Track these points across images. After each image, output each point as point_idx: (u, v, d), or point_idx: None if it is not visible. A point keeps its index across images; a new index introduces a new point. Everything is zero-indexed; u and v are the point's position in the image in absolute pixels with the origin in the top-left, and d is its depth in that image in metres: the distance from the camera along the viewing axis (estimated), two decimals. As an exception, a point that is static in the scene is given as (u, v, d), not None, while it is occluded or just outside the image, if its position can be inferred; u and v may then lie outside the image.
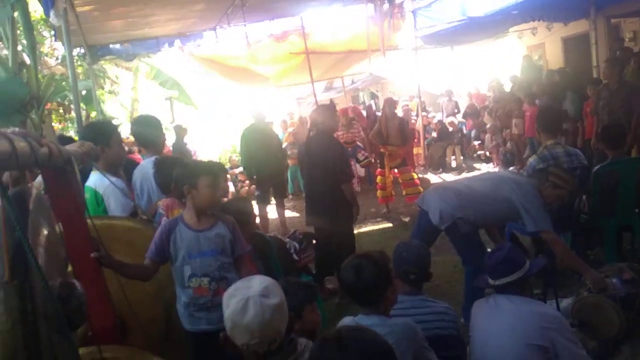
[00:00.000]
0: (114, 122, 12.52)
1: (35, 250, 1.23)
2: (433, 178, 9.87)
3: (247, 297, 1.66)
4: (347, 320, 2.26)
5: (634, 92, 5.89)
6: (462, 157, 10.82)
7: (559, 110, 5.08)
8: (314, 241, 4.14)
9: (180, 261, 2.50)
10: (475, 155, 10.89)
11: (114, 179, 2.99)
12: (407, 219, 7.02)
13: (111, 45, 9.48)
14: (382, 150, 7.30)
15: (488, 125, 10.41)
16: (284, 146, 9.50)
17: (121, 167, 3.39)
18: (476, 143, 10.98)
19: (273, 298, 1.68)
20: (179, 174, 2.53)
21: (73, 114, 11.21)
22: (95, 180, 3.08)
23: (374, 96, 18.46)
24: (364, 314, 2.19)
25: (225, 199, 8.76)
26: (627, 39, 8.71)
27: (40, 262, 1.22)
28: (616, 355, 2.97)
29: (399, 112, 9.67)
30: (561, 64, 9.83)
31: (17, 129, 1.52)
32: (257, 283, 1.73)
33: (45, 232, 1.48)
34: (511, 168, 9.17)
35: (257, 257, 2.99)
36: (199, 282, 2.49)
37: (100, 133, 3.10)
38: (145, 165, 3.43)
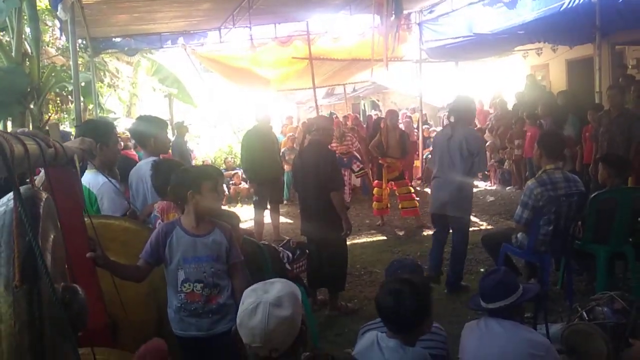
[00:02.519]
0: (112, 116, 12.50)
1: (44, 256, 1.24)
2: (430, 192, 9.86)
3: (259, 301, 1.68)
4: (369, 335, 2.25)
5: (634, 121, 5.93)
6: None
7: (562, 135, 5.08)
8: (308, 251, 4.13)
9: (175, 265, 2.50)
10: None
11: (109, 179, 2.98)
12: (401, 233, 7.01)
13: (114, 39, 9.47)
14: (381, 162, 7.30)
15: (488, 143, 10.43)
16: (282, 150, 9.51)
17: (115, 166, 3.38)
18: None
19: (284, 310, 1.69)
20: (181, 179, 2.52)
21: (70, 105, 11.19)
22: (90, 179, 3.06)
23: (375, 105, 18.53)
24: (389, 335, 2.17)
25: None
26: (630, 66, 8.79)
27: (48, 267, 1.23)
28: (603, 383, 2.97)
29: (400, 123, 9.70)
30: (564, 85, 9.89)
31: (26, 130, 1.53)
32: (276, 290, 1.73)
33: (52, 236, 1.49)
34: (508, 188, 9.21)
35: (244, 266, 2.94)
36: (191, 288, 2.49)
37: (100, 131, 3.09)
38: (143, 166, 3.41)
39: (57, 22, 9.34)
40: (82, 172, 3.00)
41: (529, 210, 3.98)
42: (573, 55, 9.37)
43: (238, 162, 10.72)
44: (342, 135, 8.66)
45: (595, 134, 6.23)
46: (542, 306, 3.58)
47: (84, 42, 8.95)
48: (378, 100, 18.48)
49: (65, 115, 12.35)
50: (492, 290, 2.52)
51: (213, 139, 14.48)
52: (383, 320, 2.22)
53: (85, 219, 2.22)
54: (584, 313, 3.22)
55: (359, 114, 16.08)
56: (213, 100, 14.30)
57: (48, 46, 12.25)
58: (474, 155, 4.59)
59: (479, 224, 7.21)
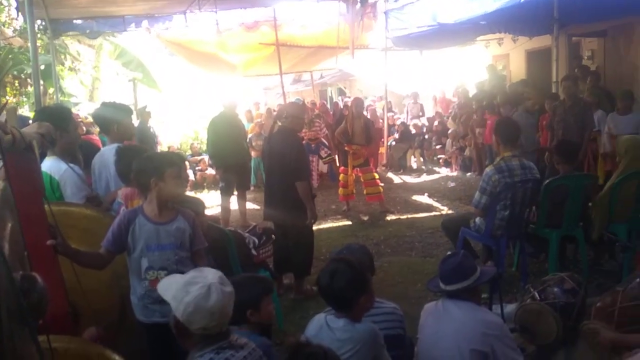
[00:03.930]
0: (73, 100, 12.13)
1: (1, 244, 1.23)
2: (394, 179, 10.04)
3: (209, 284, 1.84)
4: (317, 318, 2.33)
5: (587, 110, 6.18)
6: (422, 160, 11.05)
7: (517, 122, 5.31)
8: (273, 237, 4.16)
9: (138, 253, 2.50)
10: (435, 158, 11.14)
11: (72, 165, 2.94)
12: (366, 218, 7.13)
13: (75, 21, 9.14)
14: (346, 148, 7.37)
15: (450, 130, 10.65)
16: (248, 137, 9.46)
17: (78, 152, 3.33)
18: (437, 147, 11.24)
19: (228, 286, 1.91)
20: (144, 167, 2.49)
21: (29, 88, 10.81)
22: (51, 165, 3.00)
23: (341, 92, 18.58)
24: (335, 315, 2.27)
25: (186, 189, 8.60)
26: (585, 57, 9.10)
27: (5, 256, 1.23)
28: (552, 359, 3.14)
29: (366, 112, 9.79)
30: (524, 75, 10.15)
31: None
32: (212, 273, 1.92)
33: (10, 224, 1.48)
34: (469, 174, 9.46)
35: (208, 251, 2.96)
36: (155, 275, 2.49)
37: (59, 117, 3.02)
38: (106, 152, 3.37)
39: (13, 2, 8.98)
40: (42, 158, 2.95)
41: (486, 196, 4.12)
42: (532, 46, 9.61)
43: (204, 147, 10.61)
44: (311, 121, 8.69)
45: (551, 122, 6.45)
46: (497, 287, 3.73)
47: (43, 23, 8.63)
48: (345, 88, 18.53)
49: (24, 99, 11.89)
50: (450, 273, 2.60)
51: (179, 124, 14.22)
52: (324, 299, 2.31)
53: (45, 206, 2.20)
54: (536, 293, 3.37)
55: (326, 101, 16.11)
56: (178, 85, 14.05)
57: (4, 27, 11.76)
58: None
59: (440, 208, 7.40)
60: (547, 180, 4.36)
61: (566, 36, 8.45)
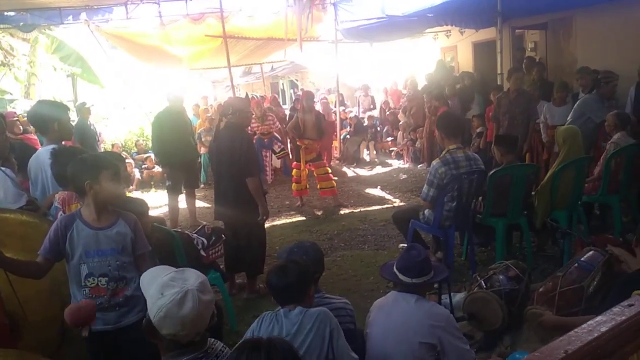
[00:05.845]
0: (8, 97, 11.48)
1: None
2: (348, 172, 10.09)
3: (186, 290, 1.71)
4: (268, 314, 2.37)
5: (531, 101, 6.39)
6: (375, 153, 11.16)
7: (457, 115, 5.39)
8: (224, 236, 4.08)
9: (77, 260, 2.41)
10: (388, 151, 11.27)
11: (3, 168, 2.78)
12: (320, 213, 7.12)
13: (6, 13, 8.63)
14: (298, 143, 7.33)
15: (401, 123, 10.78)
16: (198, 132, 9.24)
17: (11, 154, 3.16)
18: (389, 139, 11.36)
19: (207, 294, 1.77)
20: (78, 169, 2.39)
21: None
22: (-20, 169, 2.83)
23: (294, 84, 18.50)
24: (288, 309, 2.32)
25: (131, 188, 8.28)
26: (528, 49, 9.40)
27: None
28: (498, 344, 3.25)
29: (318, 106, 9.75)
30: (471, 67, 10.40)
31: None
32: (194, 277, 1.78)
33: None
34: (420, 166, 9.63)
35: (153, 254, 2.85)
36: (96, 282, 2.42)
37: None
38: (42, 154, 3.21)
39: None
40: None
41: (434, 189, 4.18)
42: (478, 38, 9.86)
43: (150, 144, 10.29)
44: (264, 115, 8.57)
45: (495, 114, 6.61)
46: (446, 278, 3.81)
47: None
48: (296, 80, 18.46)
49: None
50: (417, 266, 2.62)
51: (123, 121, 13.69)
52: (275, 297, 2.41)
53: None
54: (482, 282, 3.48)
55: (278, 94, 15.98)
56: (122, 80, 13.49)
57: None
58: None
59: (392, 201, 7.49)
60: (492, 171, 4.48)
61: (510, 28, 8.71)
